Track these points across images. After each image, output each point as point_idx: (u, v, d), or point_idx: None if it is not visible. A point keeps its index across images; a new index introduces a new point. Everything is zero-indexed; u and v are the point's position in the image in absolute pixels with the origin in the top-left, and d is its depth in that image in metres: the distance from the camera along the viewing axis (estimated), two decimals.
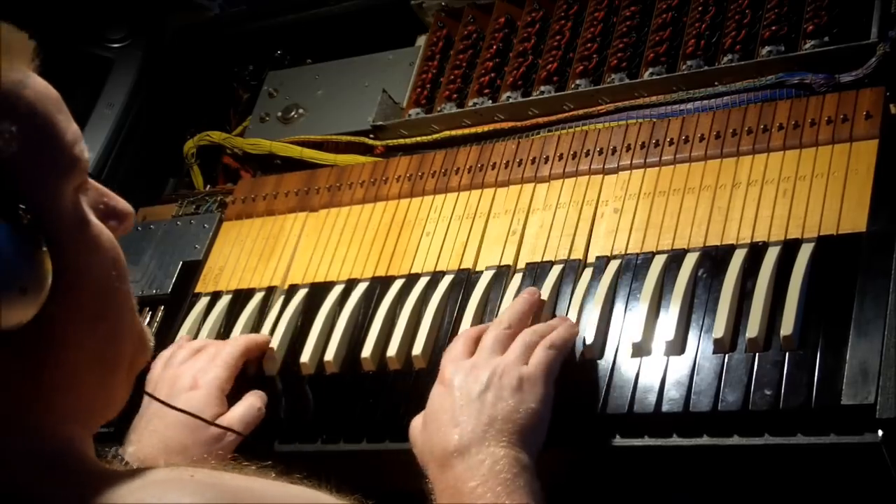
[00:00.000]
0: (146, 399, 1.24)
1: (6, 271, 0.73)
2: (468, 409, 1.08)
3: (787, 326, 1.07)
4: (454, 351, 1.15)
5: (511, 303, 1.21)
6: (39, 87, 0.78)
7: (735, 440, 1.06)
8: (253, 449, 1.20)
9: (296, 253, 1.46)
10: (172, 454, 1.18)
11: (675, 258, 1.20)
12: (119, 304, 0.83)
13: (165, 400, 1.20)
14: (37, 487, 0.76)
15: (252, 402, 1.27)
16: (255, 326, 1.39)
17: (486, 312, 1.25)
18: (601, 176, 1.32)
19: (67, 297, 0.77)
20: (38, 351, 0.77)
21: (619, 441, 1.11)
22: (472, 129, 1.47)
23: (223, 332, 1.41)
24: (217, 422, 1.22)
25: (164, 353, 1.34)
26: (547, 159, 1.37)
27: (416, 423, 1.14)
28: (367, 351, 1.28)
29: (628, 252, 1.23)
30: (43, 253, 0.75)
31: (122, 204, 0.85)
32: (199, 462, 1.01)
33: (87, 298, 0.79)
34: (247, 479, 0.83)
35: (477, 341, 1.16)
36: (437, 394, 1.13)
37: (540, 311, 1.21)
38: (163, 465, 0.96)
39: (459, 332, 1.20)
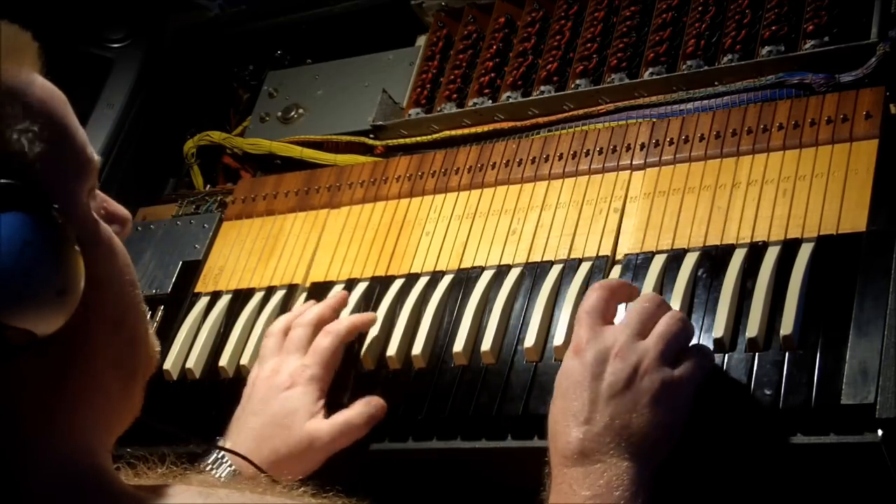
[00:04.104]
0: (245, 394, 1.25)
1: (43, 273, 0.71)
2: (601, 409, 1.01)
3: (786, 326, 1.07)
4: (589, 304, 1.07)
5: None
6: (48, 88, 0.78)
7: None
8: None
9: (296, 253, 1.46)
10: (263, 457, 1.17)
11: (675, 258, 1.20)
12: (135, 308, 0.82)
13: (262, 398, 1.21)
14: None
15: (350, 417, 1.21)
16: (255, 327, 1.39)
17: (485, 312, 1.25)
18: (601, 176, 1.32)
19: (90, 301, 0.75)
20: (63, 358, 0.76)
21: None
22: (472, 129, 1.47)
23: (223, 332, 1.42)
24: (308, 424, 1.20)
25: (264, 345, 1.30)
26: (547, 159, 1.37)
27: (557, 384, 1.06)
28: (366, 350, 1.29)
29: (628, 252, 1.23)
30: (76, 253, 0.74)
31: (121, 209, 0.85)
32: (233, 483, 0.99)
33: (108, 303, 0.78)
34: (277, 500, 0.83)
35: (616, 298, 1.09)
36: (571, 367, 1.04)
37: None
38: (194, 481, 0.95)
39: (597, 283, 1.11)
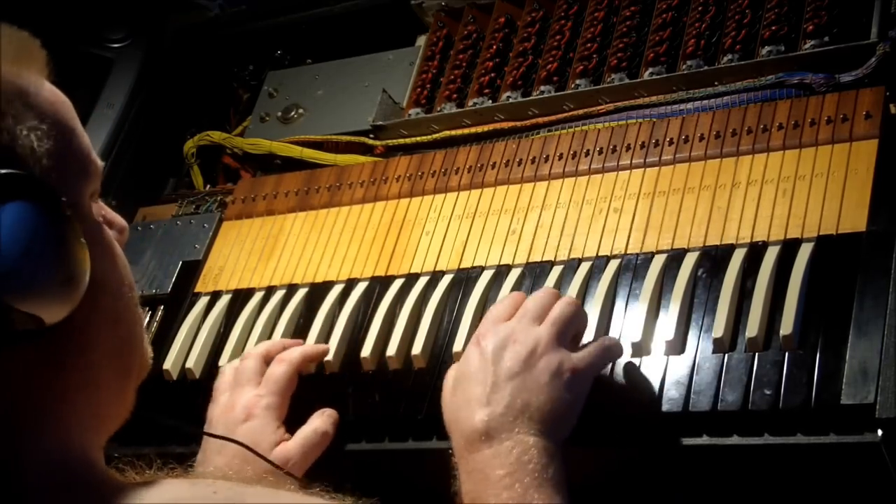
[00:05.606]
0: (204, 440, 1.22)
1: (51, 260, 0.74)
2: (502, 390, 1.04)
3: (786, 326, 1.07)
4: (495, 311, 1.13)
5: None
6: (56, 93, 0.81)
7: (735, 440, 1.06)
8: None
9: (296, 253, 1.46)
10: None
11: (675, 258, 1.20)
12: (132, 309, 0.84)
13: (222, 434, 1.19)
14: (51, 497, 0.76)
15: (316, 426, 1.22)
16: (255, 326, 1.39)
17: (486, 312, 1.25)
18: (601, 176, 1.32)
19: (91, 298, 0.77)
20: (63, 351, 0.77)
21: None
22: (472, 129, 1.47)
23: (223, 332, 1.42)
24: (276, 451, 1.18)
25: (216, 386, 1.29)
26: (547, 159, 1.37)
27: (449, 380, 1.10)
28: (366, 350, 1.28)
29: (628, 252, 1.23)
30: (82, 245, 0.76)
31: (118, 218, 0.87)
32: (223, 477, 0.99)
33: (108, 301, 0.81)
34: (269, 493, 0.83)
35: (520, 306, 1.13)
36: (471, 356, 1.09)
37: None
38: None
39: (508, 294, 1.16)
